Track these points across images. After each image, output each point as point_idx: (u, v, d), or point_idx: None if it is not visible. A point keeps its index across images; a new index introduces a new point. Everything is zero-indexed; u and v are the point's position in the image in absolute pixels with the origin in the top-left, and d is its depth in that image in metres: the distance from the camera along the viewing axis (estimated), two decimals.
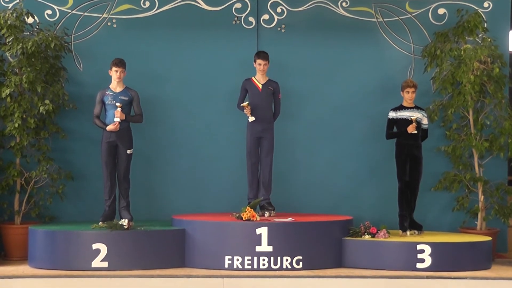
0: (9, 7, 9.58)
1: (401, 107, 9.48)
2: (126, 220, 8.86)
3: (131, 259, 8.63)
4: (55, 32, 9.67)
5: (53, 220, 9.64)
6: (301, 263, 8.69)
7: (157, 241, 8.77)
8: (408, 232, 9.21)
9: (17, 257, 9.22)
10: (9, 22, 9.26)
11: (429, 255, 8.65)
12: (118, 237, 8.64)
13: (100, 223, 8.97)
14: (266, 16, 10.11)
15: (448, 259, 8.69)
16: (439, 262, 8.64)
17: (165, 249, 8.80)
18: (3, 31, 9.26)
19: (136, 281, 8.30)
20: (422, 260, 8.65)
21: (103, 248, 8.52)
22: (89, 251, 8.53)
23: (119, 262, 8.56)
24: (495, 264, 9.17)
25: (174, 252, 8.83)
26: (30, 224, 9.22)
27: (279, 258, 8.64)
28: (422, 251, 8.66)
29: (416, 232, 9.26)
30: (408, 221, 9.31)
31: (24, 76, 9.28)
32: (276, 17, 10.11)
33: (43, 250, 8.73)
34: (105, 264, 8.49)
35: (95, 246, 8.53)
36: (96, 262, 8.49)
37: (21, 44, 9.25)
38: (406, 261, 8.70)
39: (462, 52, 9.56)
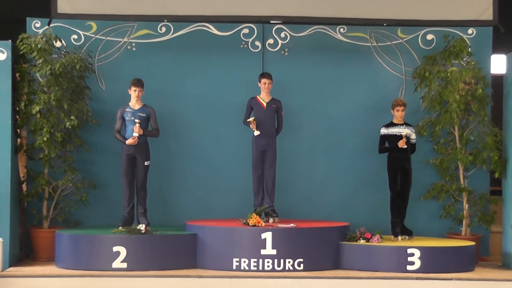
0: (40, 32, 9.58)
1: (392, 124, 9.43)
2: (144, 225, 8.87)
3: (148, 260, 8.62)
4: (80, 55, 9.69)
5: (78, 225, 9.69)
6: (302, 265, 8.68)
7: (171, 245, 8.78)
8: (399, 237, 9.18)
9: (44, 258, 9.23)
10: (39, 46, 9.26)
11: (419, 258, 8.64)
12: (136, 241, 8.66)
13: (120, 227, 8.95)
14: (271, 41, 10.10)
15: (436, 262, 8.68)
16: (427, 264, 8.63)
17: (179, 252, 8.79)
18: (34, 54, 9.26)
19: (152, 281, 8.32)
20: (412, 263, 8.63)
21: (122, 251, 8.53)
22: (110, 253, 8.54)
23: (137, 263, 8.56)
24: (478, 266, 9.17)
25: (187, 254, 8.82)
26: (57, 229, 9.26)
27: (282, 260, 8.63)
28: (412, 254, 8.64)
29: (407, 237, 9.23)
30: (400, 227, 9.28)
31: (52, 94, 9.32)
32: (280, 42, 10.10)
33: (68, 252, 8.76)
34: (124, 265, 8.50)
35: (115, 248, 8.54)
36: (116, 263, 8.50)
37: (49, 65, 9.28)
38: (398, 263, 8.67)
39: (448, 74, 9.56)
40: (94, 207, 9.76)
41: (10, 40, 9.09)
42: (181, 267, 8.70)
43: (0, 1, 11.26)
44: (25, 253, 9.53)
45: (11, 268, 8.74)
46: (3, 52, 8.94)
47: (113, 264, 8.50)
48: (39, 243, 9.39)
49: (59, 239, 8.88)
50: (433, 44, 10.10)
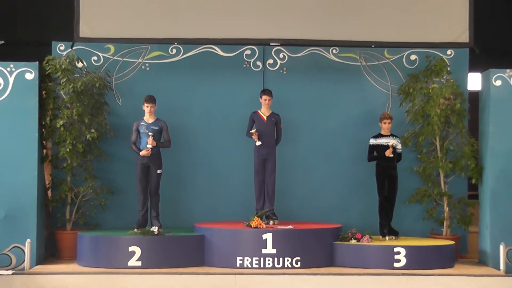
0: (64, 54, 9.64)
1: (380, 135, 9.46)
2: (156, 227, 8.89)
3: (160, 259, 8.66)
4: (99, 74, 9.72)
5: (97, 227, 9.68)
6: (299, 262, 8.71)
7: (181, 245, 8.83)
8: (387, 238, 9.22)
9: (67, 257, 9.28)
10: (63, 66, 9.31)
11: (404, 256, 8.69)
12: (150, 241, 8.70)
13: (135, 229, 8.97)
14: (270, 61, 10.11)
15: (420, 260, 8.73)
16: (412, 262, 8.69)
17: (188, 251, 8.82)
18: (59, 73, 9.31)
19: (164, 277, 8.36)
20: (398, 260, 8.68)
21: (137, 250, 8.58)
22: (126, 253, 8.60)
23: (151, 262, 8.60)
24: (457, 263, 9.21)
25: (195, 253, 8.85)
26: (79, 231, 9.29)
27: (281, 258, 8.67)
28: (398, 253, 8.70)
29: (394, 237, 9.25)
30: (387, 228, 9.31)
31: (74, 110, 9.37)
32: (279, 62, 10.12)
33: (89, 251, 8.83)
34: (139, 263, 8.56)
35: (131, 248, 8.60)
36: (132, 262, 8.56)
37: (72, 84, 9.34)
38: (385, 261, 8.72)
39: (430, 90, 9.59)
40: (112, 211, 9.77)
41: (37, 62, 9.12)
42: (190, 265, 8.72)
43: (29, 26, 11.37)
44: (50, 252, 9.55)
45: (37, 266, 8.78)
46: (31, 72, 8.99)
47: (129, 262, 8.57)
48: (63, 243, 9.44)
49: (81, 240, 8.95)
50: (416, 64, 10.12)
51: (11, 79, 8.98)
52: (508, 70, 9.33)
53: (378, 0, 9.82)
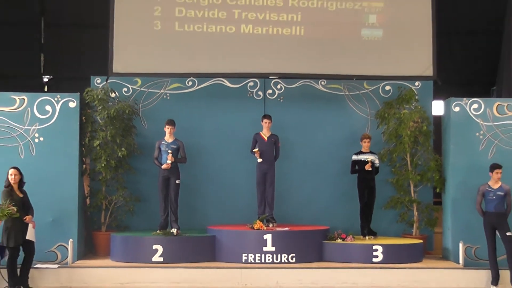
0: (100, 87, 9.72)
1: (361, 152, 9.51)
2: (175, 229, 8.96)
3: (179, 255, 8.72)
4: (129, 103, 9.79)
5: (126, 229, 9.69)
6: (294, 258, 8.76)
7: (196, 244, 8.88)
8: (367, 237, 9.27)
9: (103, 254, 9.34)
10: (99, 96, 9.43)
11: (381, 252, 8.78)
12: (170, 241, 8.76)
13: (158, 231, 9.00)
14: (270, 91, 10.17)
15: (394, 255, 8.80)
16: (387, 257, 8.76)
17: (201, 249, 8.87)
18: (96, 102, 9.42)
19: (181, 271, 8.43)
20: (377, 256, 8.78)
21: (160, 248, 8.67)
22: (150, 250, 8.68)
23: (171, 258, 8.67)
24: (425, 258, 9.24)
25: (207, 251, 8.89)
26: (112, 232, 9.37)
27: (279, 255, 8.72)
28: (376, 250, 8.79)
29: (372, 237, 9.30)
30: (367, 229, 9.35)
31: (108, 132, 9.45)
32: (277, 91, 10.17)
33: (120, 249, 8.92)
34: (161, 259, 8.64)
35: (154, 246, 8.68)
36: (155, 258, 8.65)
37: (106, 111, 9.42)
38: (366, 256, 8.79)
39: (401, 115, 9.64)
40: (138, 216, 9.76)
41: (78, 93, 9.21)
42: (203, 260, 8.77)
43: (72, 64, 11.38)
44: (89, 250, 9.56)
45: (78, 261, 8.90)
46: (73, 101, 9.06)
47: (152, 258, 8.64)
48: (99, 242, 9.51)
49: (113, 239, 9.03)
50: (390, 93, 10.14)
51: (57, 107, 9.05)
52: (464, 99, 9.38)
53: (358, 41, 9.85)
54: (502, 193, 8.45)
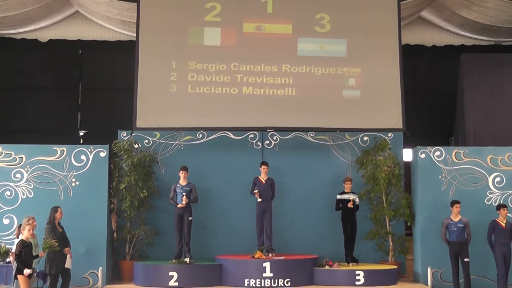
0: (125, 139, 9.82)
1: (344, 192, 9.52)
2: (188, 259, 8.99)
3: (191, 281, 8.70)
4: (149, 152, 9.84)
5: (147, 258, 9.69)
6: (289, 282, 8.78)
7: (206, 270, 8.86)
8: (350, 264, 9.26)
9: (127, 280, 9.33)
10: (125, 147, 9.60)
11: (363, 276, 8.80)
12: (184, 268, 8.77)
13: (173, 260, 9.02)
14: (267, 141, 10.24)
15: (373, 279, 8.81)
16: (368, 280, 8.79)
17: (210, 275, 8.84)
18: (122, 152, 9.56)
19: None
20: (359, 280, 8.80)
21: (175, 275, 8.68)
22: (167, 276, 8.67)
23: (184, 283, 8.67)
24: (399, 281, 9.26)
25: (216, 276, 8.87)
26: (135, 261, 9.40)
27: (276, 280, 8.74)
28: (359, 274, 8.82)
29: (355, 263, 9.30)
30: (350, 257, 9.34)
31: (132, 177, 9.53)
32: (273, 142, 10.26)
33: (142, 275, 8.91)
34: (176, 284, 8.66)
35: (170, 273, 8.69)
36: (171, 282, 8.67)
37: (131, 159, 9.54)
38: (350, 280, 8.79)
39: (377, 161, 9.75)
40: (157, 247, 9.76)
41: (108, 144, 9.39)
42: (212, 284, 8.76)
43: (102, 120, 11.66)
44: (116, 276, 9.56)
45: (107, 286, 8.89)
46: (103, 152, 9.25)
47: (169, 283, 8.65)
48: (124, 270, 9.53)
49: (136, 267, 9.03)
50: (368, 143, 10.21)
51: (90, 157, 9.25)
52: (429, 147, 9.51)
53: (340, 100, 9.99)
54: (462, 225, 8.69)
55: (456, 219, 8.76)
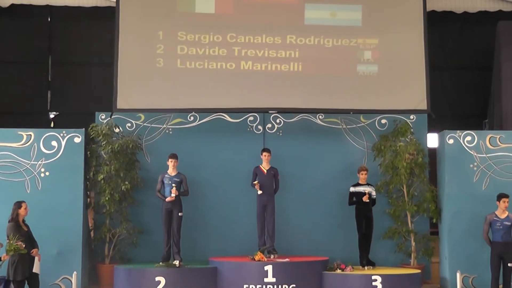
0: (104, 122, 9.69)
1: (358, 184, 9.50)
2: (178, 261, 8.94)
3: (181, 287, 8.63)
4: (132, 137, 9.76)
5: (130, 261, 9.63)
6: None
7: (198, 275, 8.84)
8: (365, 267, 9.22)
9: (106, 286, 9.26)
10: (103, 132, 9.44)
11: (380, 282, 8.70)
12: (172, 272, 8.73)
13: (161, 263, 8.98)
14: (269, 125, 10.17)
15: (393, 285, 8.73)
16: (386, 286, 8.66)
17: (203, 280, 8.81)
18: (100, 137, 9.43)
19: None
20: (376, 286, 8.68)
21: (162, 280, 8.61)
22: (153, 282, 8.62)
23: None
24: (423, 287, 9.19)
25: (209, 282, 8.84)
26: (115, 264, 9.33)
27: (280, 286, 8.67)
28: (376, 280, 8.73)
29: (371, 267, 9.26)
30: (365, 260, 9.31)
31: (112, 166, 9.43)
32: (276, 126, 10.17)
33: (123, 281, 8.85)
34: None
35: (157, 278, 8.62)
36: None
37: (110, 145, 9.42)
38: (365, 286, 8.69)
39: (397, 148, 9.68)
40: (142, 248, 9.70)
41: (83, 128, 9.28)
42: None
43: (77, 100, 11.48)
44: (92, 282, 9.50)
45: None
46: (78, 137, 9.15)
47: None
48: (102, 275, 9.44)
49: (117, 271, 8.97)
50: (386, 126, 10.16)
51: (63, 142, 9.12)
52: (458, 131, 9.49)
53: (354, 77, 9.98)
54: (509, 223, 8.41)
55: (503, 216, 8.47)
